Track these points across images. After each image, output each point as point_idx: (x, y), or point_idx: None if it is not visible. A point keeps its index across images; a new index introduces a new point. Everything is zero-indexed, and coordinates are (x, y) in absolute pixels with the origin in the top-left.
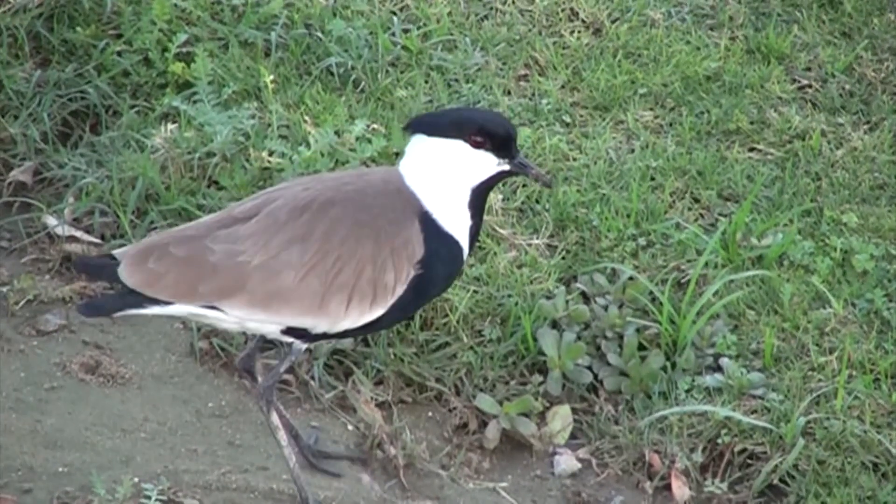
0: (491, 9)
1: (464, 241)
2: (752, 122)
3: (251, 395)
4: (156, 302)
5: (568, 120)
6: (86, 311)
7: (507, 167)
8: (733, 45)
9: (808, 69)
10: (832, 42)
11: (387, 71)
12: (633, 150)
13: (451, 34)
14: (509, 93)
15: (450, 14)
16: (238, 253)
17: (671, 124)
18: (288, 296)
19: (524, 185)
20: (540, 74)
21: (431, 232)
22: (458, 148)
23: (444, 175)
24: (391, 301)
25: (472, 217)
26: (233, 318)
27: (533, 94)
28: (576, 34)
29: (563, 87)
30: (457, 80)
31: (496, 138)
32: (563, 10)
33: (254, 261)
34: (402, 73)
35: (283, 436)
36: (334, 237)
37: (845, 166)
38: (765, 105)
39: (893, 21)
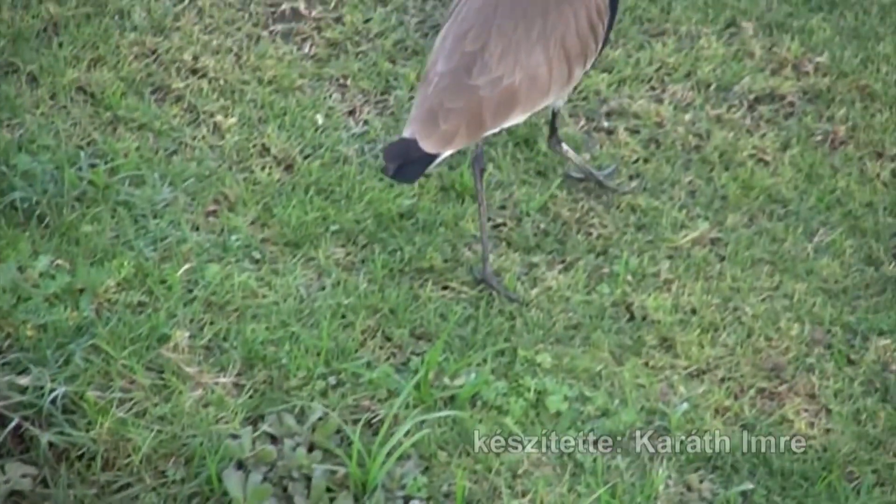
0: (180, 144)
1: None
2: (445, 261)
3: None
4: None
5: (258, 256)
6: (400, 179)
7: None
8: (427, 182)
9: (503, 207)
10: (527, 181)
11: (73, 206)
12: (324, 288)
13: (140, 169)
14: (198, 229)
15: (138, 149)
16: (500, 79)
17: (363, 262)
18: (546, 88)
19: (212, 323)
20: (230, 210)
21: None
22: None
23: None
24: (603, 36)
25: None
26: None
27: (222, 230)
28: (267, 170)
29: (253, 223)
30: (144, 216)
31: None
32: (253, 146)
33: (516, 79)
34: (88, 208)
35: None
36: (560, 22)
37: (539, 306)
38: (459, 243)
39: (589, 160)
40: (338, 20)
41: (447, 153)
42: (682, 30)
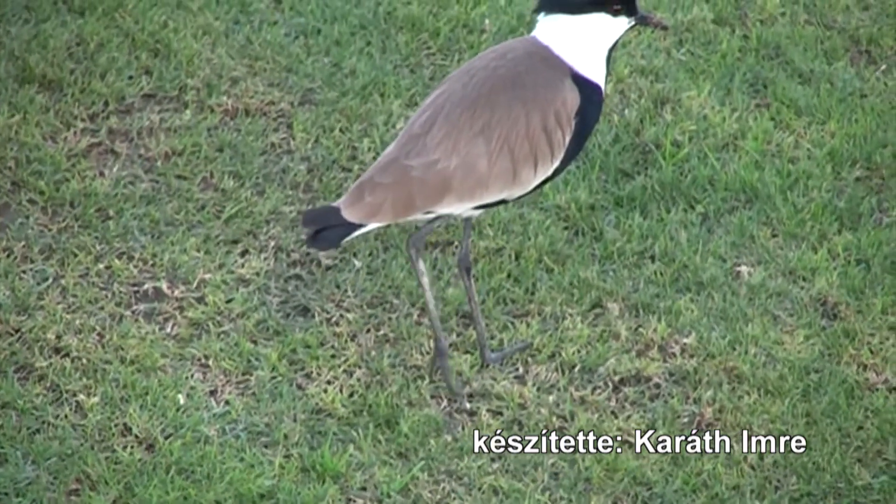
0: (43, 422)
1: (602, 88)
2: None
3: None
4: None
5: None
6: (316, 245)
7: (633, 23)
8: (288, 462)
9: (364, 489)
10: (388, 462)
11: None
12: None
13: (2, 447)
14: None
15: (1, 427)
16: (434, 162)
17: None
18: (486, 182)
19: None
20: (91, 489)
21: (582, 85)
22: (600, 19)
23: (587, 41)
24: (563, 152)
25: (606, 69)
26: (441, 213)
27: None
28: (128, 449)
29: (114, 502)
30: (7, 495)
31: (630, 2)
32: (115, 425)
33: (451, 164)
34: None
35: (426, 281)
36: (508, 118)
37: None
38: None
39: (451, 442)
40: (200, 300)
41: (371, 226)
42: (547, 310)
